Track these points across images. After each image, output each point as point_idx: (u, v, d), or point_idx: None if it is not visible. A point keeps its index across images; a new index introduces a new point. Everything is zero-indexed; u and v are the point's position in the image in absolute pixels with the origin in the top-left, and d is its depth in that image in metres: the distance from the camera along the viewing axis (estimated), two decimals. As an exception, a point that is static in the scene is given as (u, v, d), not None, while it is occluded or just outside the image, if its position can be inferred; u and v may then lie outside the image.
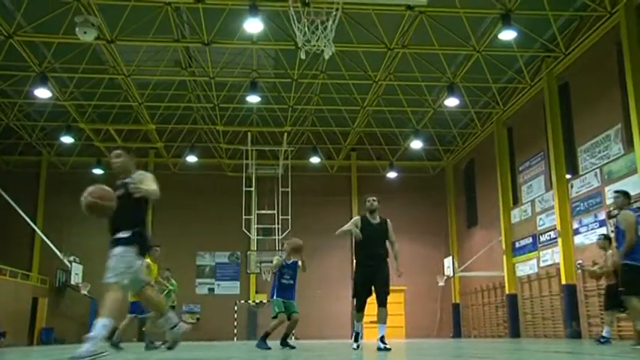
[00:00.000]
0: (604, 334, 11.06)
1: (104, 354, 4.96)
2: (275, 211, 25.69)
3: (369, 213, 8.13)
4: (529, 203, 21.20)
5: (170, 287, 15.28)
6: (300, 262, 10.24)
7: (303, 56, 12.47)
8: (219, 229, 27.66)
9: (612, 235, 10.88)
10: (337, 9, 11.34)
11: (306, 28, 11.33)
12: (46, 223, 26.71)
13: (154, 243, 12.41)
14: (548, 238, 19.67)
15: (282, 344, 9.97)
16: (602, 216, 16.53)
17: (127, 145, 26.44)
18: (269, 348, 9.44)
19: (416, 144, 25.55)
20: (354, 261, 8.04)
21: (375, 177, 28.91)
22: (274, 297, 10.02)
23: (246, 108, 24.89)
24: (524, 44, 18.67)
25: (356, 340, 8.31)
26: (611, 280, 11.20)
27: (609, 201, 16.21)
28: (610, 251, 11.56)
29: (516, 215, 22.30)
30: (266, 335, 9.74)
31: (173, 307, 15.89)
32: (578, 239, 17.86)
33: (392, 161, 28.06)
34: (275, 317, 9.88)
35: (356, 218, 8.19)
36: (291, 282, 10.11)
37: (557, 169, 18.68)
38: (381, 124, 26.10)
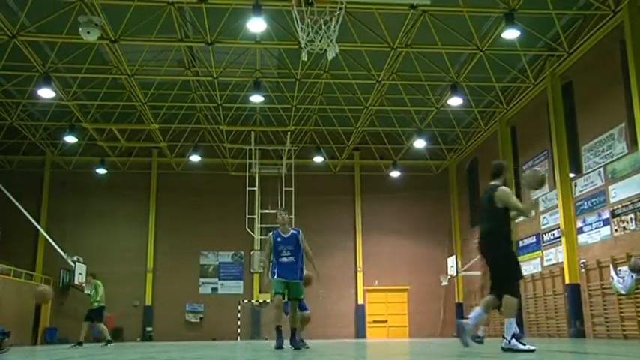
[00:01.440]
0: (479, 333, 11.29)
1: None
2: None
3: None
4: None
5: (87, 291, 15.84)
6: (300, 233, 8.93)
7: (305, 58, 12.43)
8: (222, 228, 27.69)
9: None
10: (340, 8, 11.29)
11: (309, 29, 11.25)
12: (50, 223, 26.72)
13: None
14: (551, 237, 19.64)
15: (292, 344, 8.64)
16: (606, 215, 16.49)
17: (130, 145, 26.56)
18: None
19: (419, 143, 25.55)
20: (505, 235, 6.73)
21: (379, 176, 28.92)
22: (274, 276, 8.72)
23: (250, 107, 24.93)
24: (528, 43, 18.65)
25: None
26: None
27: (613, 200, 16.20)
28: None
29: (520, 214, 22.24)
30: (292, 331, 8.77)
31: (103, 308, 16.32)
32: (581, 238, 17.83)
33: (395, 161, 28.05)
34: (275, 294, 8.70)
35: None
36: (292, 258, 8.77)
37: (561, 168, 18.66)
38: (385, 123, 26.11)
